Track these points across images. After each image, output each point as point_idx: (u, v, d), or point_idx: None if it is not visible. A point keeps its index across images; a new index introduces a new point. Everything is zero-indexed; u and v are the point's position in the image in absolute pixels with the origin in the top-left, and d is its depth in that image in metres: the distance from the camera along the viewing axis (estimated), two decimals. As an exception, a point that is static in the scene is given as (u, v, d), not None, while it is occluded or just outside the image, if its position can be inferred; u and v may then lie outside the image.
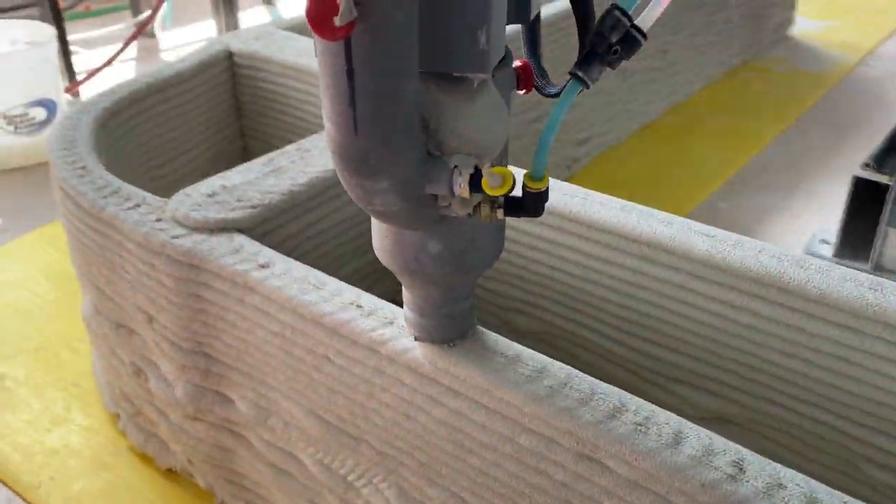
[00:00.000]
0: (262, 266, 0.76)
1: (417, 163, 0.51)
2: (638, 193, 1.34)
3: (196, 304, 0.81)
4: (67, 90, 1.80)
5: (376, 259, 0.59)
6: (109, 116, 1.08)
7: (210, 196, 0.86)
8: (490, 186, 0.50)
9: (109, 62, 1.89)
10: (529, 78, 0.55)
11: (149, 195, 0.87)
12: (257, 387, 0.79)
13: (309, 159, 0.94)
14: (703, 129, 1.76)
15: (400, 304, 0.68)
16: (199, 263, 0.79)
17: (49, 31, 1.69)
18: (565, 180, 1.51)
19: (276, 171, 0.91)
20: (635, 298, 0.85)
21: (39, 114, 1.63)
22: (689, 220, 0.83)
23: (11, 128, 1.60)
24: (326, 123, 0.50)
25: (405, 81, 0.48)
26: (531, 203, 0.51)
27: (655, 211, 0.85)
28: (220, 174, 0.90)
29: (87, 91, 1.94)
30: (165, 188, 1.19)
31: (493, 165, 0.52)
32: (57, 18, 1.81)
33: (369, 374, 0.69)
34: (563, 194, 0.88)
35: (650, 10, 0.49)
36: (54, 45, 1.66)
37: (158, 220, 0.83)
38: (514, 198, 0.52)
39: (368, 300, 0.71)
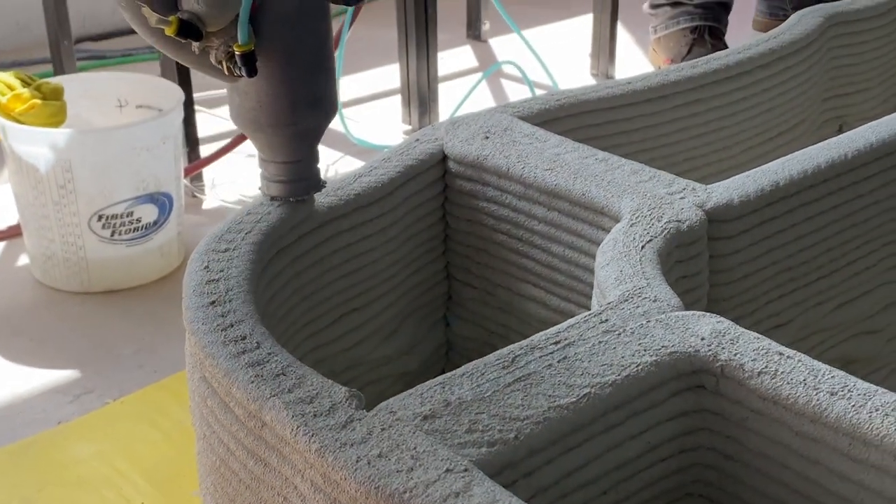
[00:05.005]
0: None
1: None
2: None
3: None
4: (186, 173, 1.87)
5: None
6: (271, 244, 1.09)
7: (425, 419, 0.83)
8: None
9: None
10: None
11: (339, 396, 0.84)
12: None
13: (574, 362, 0.89)
14: None
15: None
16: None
17: (172, 91, 1.76)
18: None
19: (524, 381, 0.87)
20: None
21: (148, 213, 1.68)
22: None
23: (108, 233, 1.66)
24: None
25: None
26: (241, 62, 0.97)
27: None
28: (440, 380, 0.87)
29: (218, 175, 2.00)
30: (334, 361, 1.18)
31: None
32: (183, 68, 1.89)
33: None
34: None
35: None
36: (178, 114, 1.72)
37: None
38: (233, 53, 0.98)
39: None
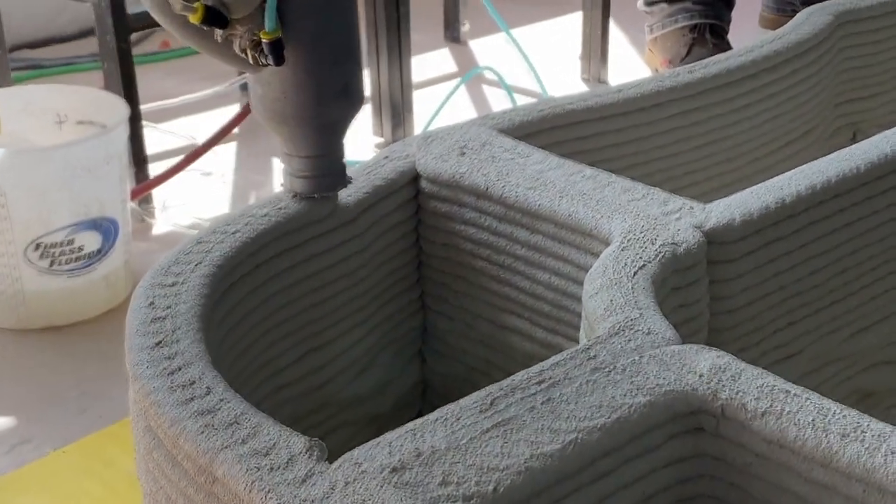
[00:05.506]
0: None
1: None
2: None
3: None
4: (133, 195, 1.87)
5: None
6: (225, 275, 1.09)
7: (394, 471, 0.82)
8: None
9: (203, 151, 1.95)
10: None
11: (298, 447, 0.84)
12: None
13: (559, 404, 0.89)
14: None
15: None
16: None
17: (117, 105, 1.76)
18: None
19: (503, 427, 0.87)
20: None
21: (91, 241, 1.68)
22: None
23: (46, 263, 1.65)
24: None
25: None
26: (268, 50, 1.04)
27: None
28: (410, 426, 0.87)
29: (169, 197, 2.00)
30: (298, 404, 1.18)
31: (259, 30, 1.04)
32: (128, 79, 1.89)
33: None
34: None
35: None
36: (124, 131, 1.72)
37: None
38: (258, 42, 1.04)
39: None
